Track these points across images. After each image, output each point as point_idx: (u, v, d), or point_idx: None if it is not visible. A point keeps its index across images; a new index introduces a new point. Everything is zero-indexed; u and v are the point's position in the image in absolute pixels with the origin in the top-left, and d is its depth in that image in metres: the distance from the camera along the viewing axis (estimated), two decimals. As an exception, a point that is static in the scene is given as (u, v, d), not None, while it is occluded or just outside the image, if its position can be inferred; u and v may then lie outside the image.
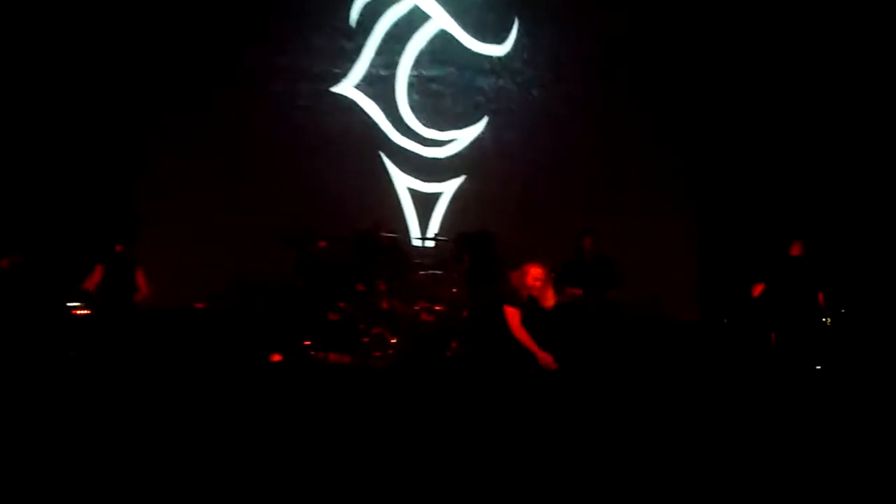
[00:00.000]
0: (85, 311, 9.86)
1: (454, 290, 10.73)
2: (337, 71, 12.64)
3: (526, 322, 7.62)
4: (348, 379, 9.23)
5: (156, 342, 9.92)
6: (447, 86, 12.89)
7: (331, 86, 12.58)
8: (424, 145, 12.77)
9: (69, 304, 9.88)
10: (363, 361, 10.03)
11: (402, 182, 12.66)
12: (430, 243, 11.81)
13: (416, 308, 10.40)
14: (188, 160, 12.14)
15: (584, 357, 9.44)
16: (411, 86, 12.79)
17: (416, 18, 12.90)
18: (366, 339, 10.19)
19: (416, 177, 12.71)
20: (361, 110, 12.65)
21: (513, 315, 7.59)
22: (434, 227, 12.60)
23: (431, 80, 12.84)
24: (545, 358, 7.45)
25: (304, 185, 12.27)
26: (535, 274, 7.77)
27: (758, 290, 10.18)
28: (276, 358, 10.04)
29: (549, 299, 7.91)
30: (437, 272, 11.16)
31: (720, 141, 12.85)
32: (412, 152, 12.74)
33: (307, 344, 10.19)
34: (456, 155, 12.83)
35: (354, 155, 12.55)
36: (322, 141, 12.44)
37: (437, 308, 10.42)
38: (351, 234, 11.24)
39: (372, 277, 10.61)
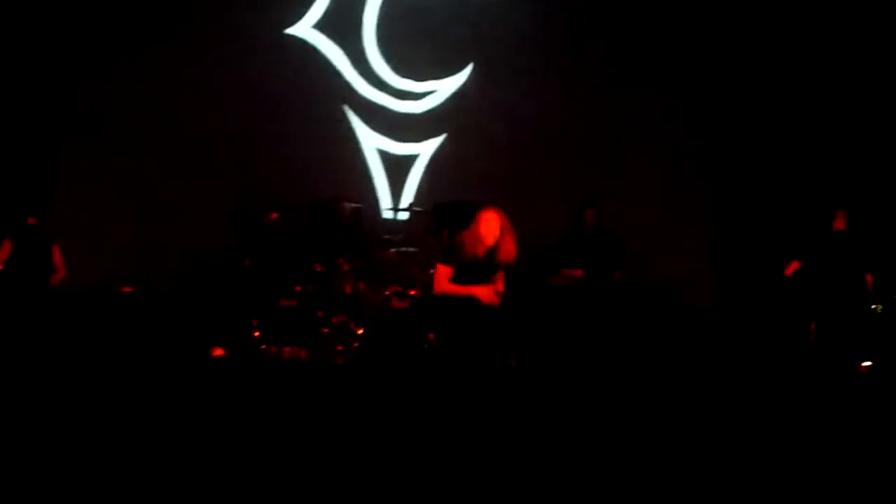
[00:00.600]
0: (-14, 296, 9.82)
1: (431, 270, 9.72)
2: (293, 8, 11.98)
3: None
4: (305, 376, 8.84)
5: (75, 332, 9.47)
6: (424, 26, 12.06)
7: (285, 27, 11.90)
8: (397, 98, 12.10)
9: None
10: (323, 355, 9.56)
11: (371, 142, 11.99)
12: (404, 215, 11.23)
13: (387, 292, 9.89)
14: (114, 116, 11.67)
15: (583, 348, 9.18)
16: (381, 26, 12.08)
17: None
18: (326, 330, 9.71)
19: (388, 136, 12.03)
20: (322, 56, 11.99)
21: (440, 273, 7.85)
22: (408, 195, 11.94)
23: (405, 18, 12.05)
24: (484, 293, 7.70)
25: (252, 145, 11.75)
26: (488, 220, 7.70)
27: (791, 268, 9.84)
28: (219, 352, 9.45)
29: (509, 252, 7.87)
30: (411, 249, 10.56)
31: (745, 98, 12.10)
32: (382, 107, 12.06)
33: (256, 335, 9.68)
34: (434, 110, 12.15)
35: (313, 109, 11.86)
36: (274, 93, 11.83)
37: (411, 292, 9.87)
38: (308, 203, 10.83)
39: (333, 256, 10.12)
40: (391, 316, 9.74)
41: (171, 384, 8.03)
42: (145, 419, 6.59)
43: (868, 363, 9.56)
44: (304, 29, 11.94)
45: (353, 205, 10.78)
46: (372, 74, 12.06)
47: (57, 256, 9.95)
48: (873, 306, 9.81)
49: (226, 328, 9.75)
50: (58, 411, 6.76)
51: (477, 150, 12.03)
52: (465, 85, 12.20)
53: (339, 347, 9.66)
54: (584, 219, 10.23)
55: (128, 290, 10.60)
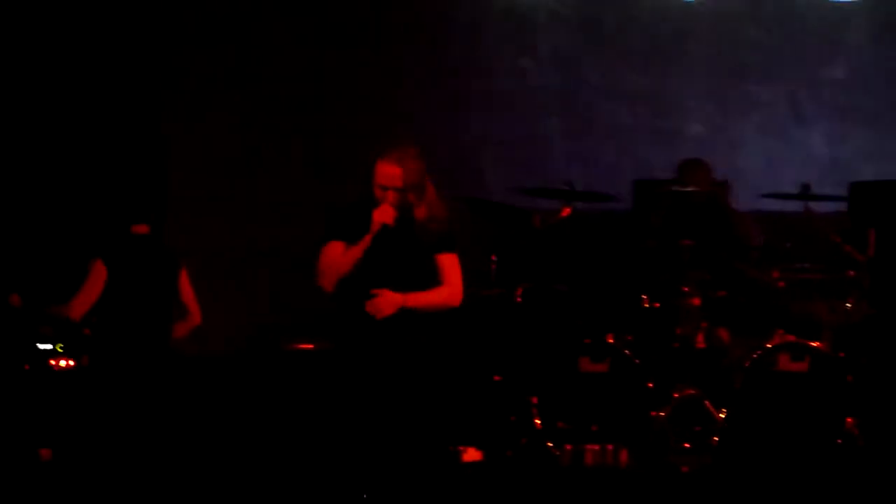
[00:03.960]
0: (71, 362, 7.93)
1: (848, 303, 8.56)
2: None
3: None
4: (624, 492, 7.92)
5: (224, 418, 8.40)
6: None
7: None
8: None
9: (40, 348, 7.97)
10: (658, 458, 8.30)
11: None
12: (793, 205, 9.16)
13: (769, 346, 8.31)
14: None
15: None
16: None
17: None
18: (660, 413, 8.26)
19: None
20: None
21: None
22: (798, 174, 9.88)
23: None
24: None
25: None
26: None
27: None
28: (473, 455, 8.40)
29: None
30: (808, 267, 8.78)
31: None
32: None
33: (537, 424, 8.35)
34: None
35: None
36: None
37: (813, 344, 8.33)
38: (625, 187, 9.43)
39: (673, 281, 8.57)
40: (777, 387, 8.30)
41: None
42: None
43: None
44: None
45: (711, 188, 8.88)
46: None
47: (186, 289, 7.87)
48: None
49: (481, 412, 8.57)
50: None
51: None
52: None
53: (687, 444, 8.38)
54: None
55: (304, 347, 9.03)
